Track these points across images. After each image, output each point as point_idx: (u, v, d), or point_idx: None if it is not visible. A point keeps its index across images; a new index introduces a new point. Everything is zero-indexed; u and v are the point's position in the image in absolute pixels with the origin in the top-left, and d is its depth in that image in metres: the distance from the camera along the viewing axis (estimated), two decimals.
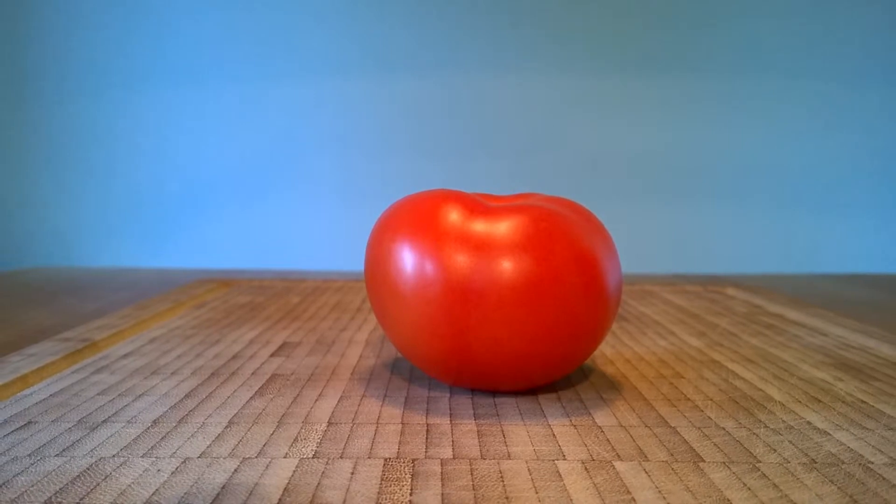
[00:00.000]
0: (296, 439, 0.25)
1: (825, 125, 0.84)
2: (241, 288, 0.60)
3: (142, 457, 0.23)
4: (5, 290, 0.62)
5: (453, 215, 0.28)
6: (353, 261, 0.86)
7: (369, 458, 0.23)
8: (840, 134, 0.84)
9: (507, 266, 0.26)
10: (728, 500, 0.20)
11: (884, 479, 0.22)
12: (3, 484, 0.21)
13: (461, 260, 0.27)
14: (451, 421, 0.27)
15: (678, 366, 0.35)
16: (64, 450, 0.24)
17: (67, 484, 0.21)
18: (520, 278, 0.26)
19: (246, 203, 0.87)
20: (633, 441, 0.25)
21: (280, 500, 0.20)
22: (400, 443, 0.24)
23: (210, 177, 0.86)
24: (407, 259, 0.28)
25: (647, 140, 0.85)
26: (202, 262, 0.87)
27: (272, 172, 0.86)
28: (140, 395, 0.30)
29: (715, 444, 0.24)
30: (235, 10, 0.83)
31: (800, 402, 0.29)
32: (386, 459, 0.23)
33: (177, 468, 0.22)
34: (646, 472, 0.22)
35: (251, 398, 0.30)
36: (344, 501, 0.20)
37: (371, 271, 0.30)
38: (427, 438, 0.25)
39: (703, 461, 0.23)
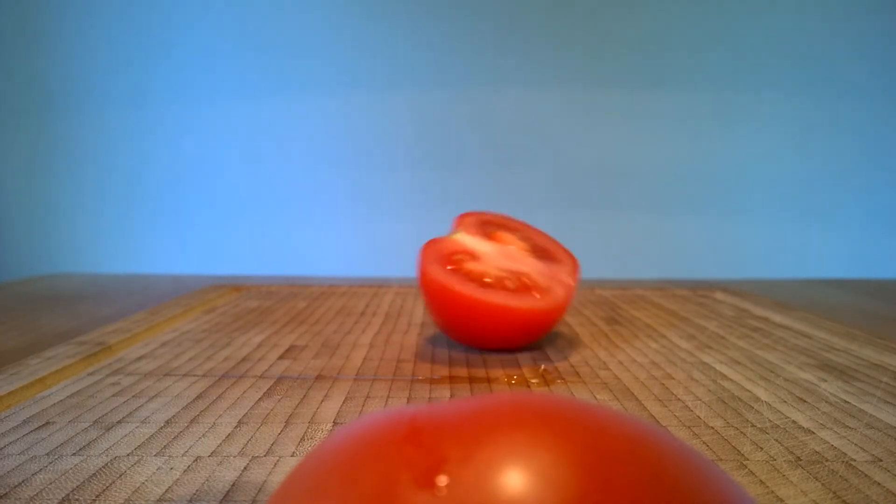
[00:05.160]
0: (302, 438, 0.26)
1: (809, 136, 0.85)
2: (251, 293, 0.61)
3: (155, 456, 0.24)
4: (24, 296, 0.64)
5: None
6: (358, 267, 0.87)
7: None
8: (824, 144, 0.85)
9: None
10: None
11: (866, 475, 0.22)
12: (23, 482, 0.22)
13: None
14: None
15: (669, 367, 0.36)
16: (80, 449, 0.25)
17: (84, 482, 0.22)
18: None
19: (256, 212, 0.88)
20: None
21: None
22: None
23: (222, 187, 0.87)
24: None
25: (640, 152, 0.86)
26: (214, 268, 0.88)
27: (281, 183, 0.87)
28: (153, 397, 0.31)
29: (704, 443, 0.25)
30: (247, 26, 0.85)
31: (785, 402, 0.30)
32: None
33: (189, 466, 0.23)
34: None
35: (260, 399, 0.31)
36: None
37: None
38: None
39: None
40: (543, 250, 0.43)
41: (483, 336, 0.39)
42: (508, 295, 0.37)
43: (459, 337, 0.40)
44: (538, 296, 0.38)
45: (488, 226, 0.44)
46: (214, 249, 0.88)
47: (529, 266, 0.40)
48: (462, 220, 0.43)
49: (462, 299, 0.36)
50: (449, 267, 0.38)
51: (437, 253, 0.40)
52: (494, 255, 0.41)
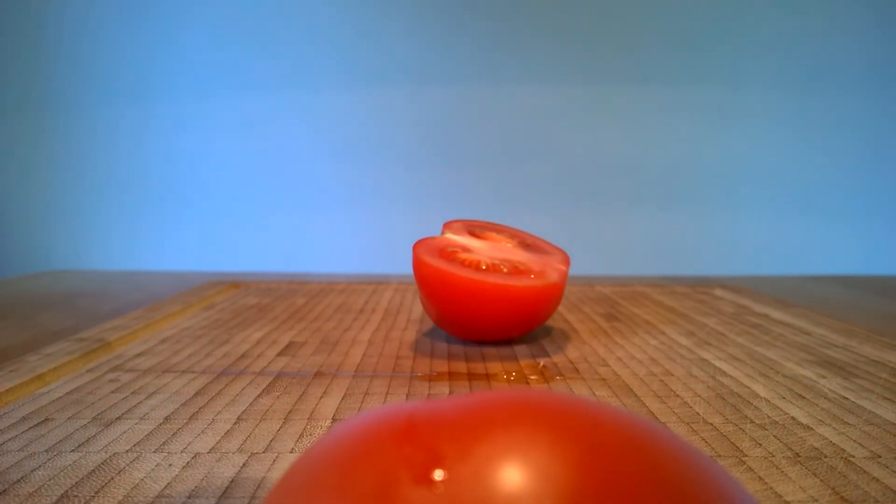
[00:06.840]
0: (301, 435, 0.26)
1: (808, 132, 0.85)
2: (249, 290, 0.61)
3: (154, 452, 0.24)
4: (24, 293, 0.64)
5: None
6: (356, 264, 0.87)
7: None
8: (823, 140, 0.85)
9: None
10: None
11: (864, 471, 0.22)
12: (22, 478, 0.22)
13: None
14: None
15: (668, 364, 0.36)
16: (79, 445, 0.25)
17: (83, 478, 0.22)
18: None
19: (255, 209, 0.88)
20: None
21: None
22: None
23: (221, 184, 0.87)
24: None
25: (640, 148, 0.86)
26: (213, 265, 0.88)
27: (280, 180, 0.87)
28: (152, 393, 0.31)
29: (703, 439, 0.25)
30: (248, 22, 0.85)
31: (784, 398, 0.30)
32: None
33: (187, 463, 0.23)
34: None
35: (258, 396, 0.31)
36: None
37: None
38: None
39: None
40: (532, 246, 0.43)
41: (481, 322, 0.39)
42: (505, 276, 0.37)
43: (456, 326, 0.40)
44: (533, 277, 0.38)
45: (475, 227, 0.44)
46: (213, 246, 0.88)
47: (521, 256, 0.41)
48: (449, 225, 0.44)
49: (460, 282, 0.37)
50: (443, 258, 0.38)
51: (431, 246, 0.40)
52: (486, 248, 0.41)
